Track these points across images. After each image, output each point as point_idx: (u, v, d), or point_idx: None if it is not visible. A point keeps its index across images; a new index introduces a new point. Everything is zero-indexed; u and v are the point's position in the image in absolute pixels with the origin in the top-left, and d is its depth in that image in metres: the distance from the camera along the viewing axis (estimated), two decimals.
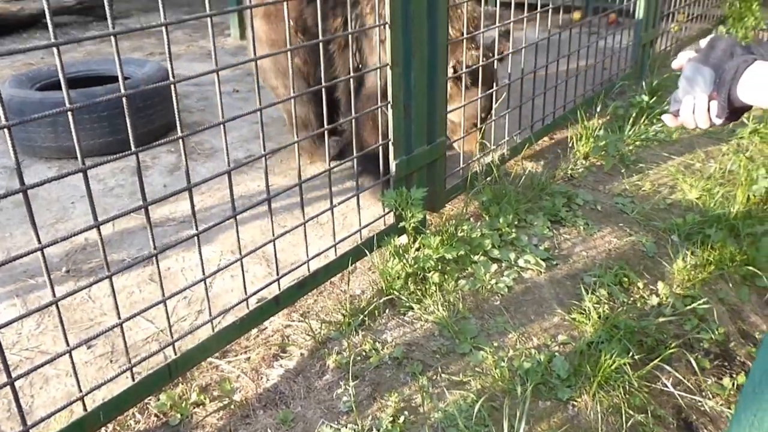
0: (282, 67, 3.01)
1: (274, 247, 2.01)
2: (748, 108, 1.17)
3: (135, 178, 3.18)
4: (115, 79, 3.76)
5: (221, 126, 1.74)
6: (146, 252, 2.55)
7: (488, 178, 2.91)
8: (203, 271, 1.79)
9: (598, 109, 3.69)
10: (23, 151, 3.41)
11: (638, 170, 3.24)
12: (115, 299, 1.58)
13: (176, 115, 1.60)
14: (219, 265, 2.44)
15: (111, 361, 2.01)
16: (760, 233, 2.56)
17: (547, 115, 3.47)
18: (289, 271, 2.11)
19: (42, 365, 1.44)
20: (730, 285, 2.46)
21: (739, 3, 5.59)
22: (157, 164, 3.36)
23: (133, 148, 1.49)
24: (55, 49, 1.31)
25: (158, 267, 1.67)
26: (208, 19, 1.63)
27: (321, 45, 2.04)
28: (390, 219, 2.47)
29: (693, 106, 1.20)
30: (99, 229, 1.47)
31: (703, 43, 1.23)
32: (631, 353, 1.97)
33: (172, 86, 1.57)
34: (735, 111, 1.17)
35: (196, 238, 1.73)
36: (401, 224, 2.41)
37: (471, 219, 2.68)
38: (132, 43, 6.03)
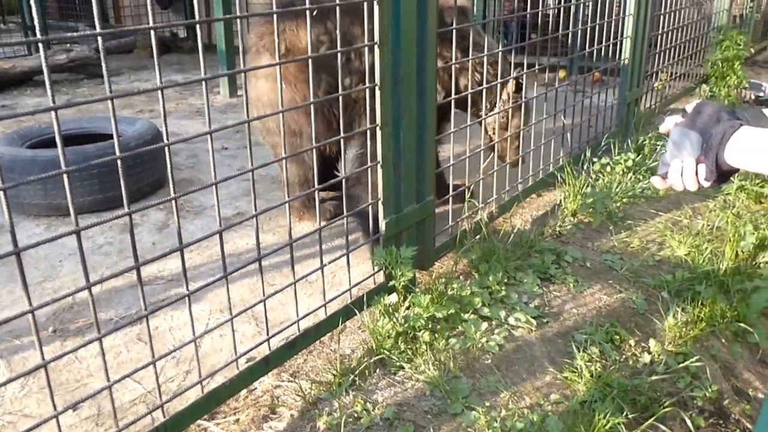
0: (287, 128, 3.03)
1: (264, 307, 2.00)
2: (736, 171, 1.19)
3: (124, 236, 3.18)
4: (106, 136, 3.79)
5: (213, 186, 1.75)
6: (135, 311, 2.54)
7: (477, 236, 2.93)
8: (193, 331, 1.77)
9: (585, 167, 3.75)
10: (11, 208, 3.40)
11: (626, 227, 3.27)
12: (105, 361, 1.55)
13: (170, 176, 1.61)
14: (208, 324, 2.42)
15: (97, 425, 1.96)
16: (750, 290, 2.57)
17: (534, 172, 3.52)
18: (279, 331, 2.09)
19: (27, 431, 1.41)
20: (722, 341, 2.46)
21: (722, 63, 5.76)
22: (146, 222, 3.36)
23: (126, 208, 1.49)
24: (53, 113, 1.33)
25: (148, 328, 1.66)
26: (202, 81, 1.65)
27: (313, 107, 2.08)
28: (380, 277, 2.47)
29: (681, 170, 1.22)
30: (90, 290, 1.46)
31: (690, 107, 1.26)
32: (624, 412, 1.95)
33: (166, 148, 1.58)
34: (723, 174, 1.19)
35: (186, 297, 1.72)
36: (391, 283, 2.41)
37: (461, 277, 2.68)
38: (122, 100, 6.09)
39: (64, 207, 3.34)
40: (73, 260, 2.94)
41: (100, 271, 2.85)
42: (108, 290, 2.69)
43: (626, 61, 4.29)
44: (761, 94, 5.73)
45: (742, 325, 2.46)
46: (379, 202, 2.37)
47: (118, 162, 1.47)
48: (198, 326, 2.26)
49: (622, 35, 4.24)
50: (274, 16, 1.88)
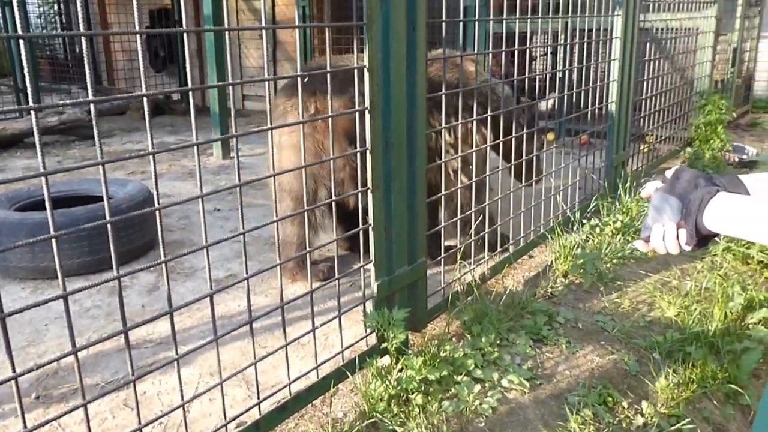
0: (298, 190, 3.11)
1: (255, 370, 1.98)
2: (715, 235, 1.22)
3: (112, 299, 3.15)
4: (97, 198, 3.80)
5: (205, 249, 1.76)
6: (122, 375, 2.50)
7: (469, 298, 2.93)
8: (182, 395, 1.75)
9: (575, 228, 3.78)
10: None
11: (617, 288, 3.28)
12: (89, 429, 1.53)
13: (160, 240, 1.62)
14: (198, 388, 2.39)
15: None
16: (740, 350, 2.57)
17: (525, 234, 3.55)
18: (270, 395, 2.06)
19: None
20: (714, 403, 2.44)
21: (705, 126, 5.89)
22: (135, 284, 3.34)
23: (114, 272, 1.49)
24: (43, 179, 1.34)
25: (135, 393, 1.64)
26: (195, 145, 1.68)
27: (305, 171, 2.11)
28: (372, 340, 2.46)
29: (663, 234, 1.25)
30: (76, 355, 1.45)
31: (669, 173, 1.30)
32: None
33: (157, 212, 1.60)
34: (703, 238, 1.22)
35: (175, 361, 1.70)
36: (384, 345, 2.39)
37: (453, 339, 2.67)
38: (115, 162, 6.15)
39: (52, 270, 3.32)
40: (59, 324, 2.92)
41: (87, 334, 2.82)
42: (94, 354, 2.66)
43: (612, 125, 4.39)
44: (744, 156, 5.85)
45: (733, 386, 2.44)
46: (371, 264, 2.38)
47: (108, 226, 1.48)
48: (187, 390, 2.23)
49: (607, 100, 4.35)
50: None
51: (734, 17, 7.26)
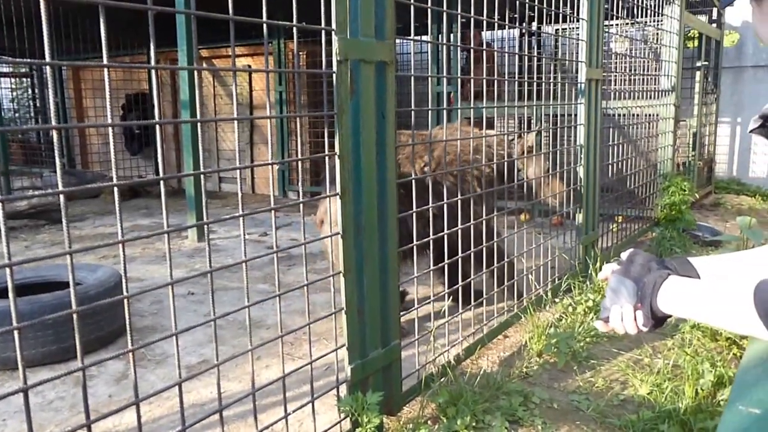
0: None
1: None
2: (670, 316, 1.27)
3: (77, 389, 3.08)
4: (65, 284, 3.75)
5: (174, 336, 1.76)
6: None
7: (444, 379, 2.92)
8: None
9: (548, 307, 3.82)
10: None
11: (590, 366, 3.29)
12: None
13: (128, 328, 1.62)
14: None
15: None
16: (711, 428, 2.58)
17: (499, 314, 3.57)
18: None
19: None
20: None
21: (670, 207, 6.07)
22: (102, 373, 3.28)
23: (79, 362, 1.48)
24: (7, 269, 1.35)
25: None
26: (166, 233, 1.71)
27: None
28: (347, 425, 2.42)
29: (621, 315, 1.30)
30: None
31: (624, 256, 1.36)
32: None
33: (126, 300, 1.60)
34: (659, 320, 1.27)
35: None
36: (358, 430, 2.36)
37: (429, 422, 2.65)
38: (85, 245, 6.10)
39: (13, 361, 3.24)
40: (17, 418, 2.82)
41: (49, 429, 2.74)
42: None
43: (581, 206, 4.51)
44: (708, 235, 6.00)
45: None
46: (344, 348, 2.38)
47: (74, 316, 1.47)
48: None
49: (575, 183, 4.48)
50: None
51: (692, 104, 7.61)
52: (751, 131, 1.23)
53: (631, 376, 3.11)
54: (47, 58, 1.39)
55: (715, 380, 2.90)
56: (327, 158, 2.29)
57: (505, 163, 3.88)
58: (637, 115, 5.82)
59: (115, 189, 1.59)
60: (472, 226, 3.36)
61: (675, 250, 5.43)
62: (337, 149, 2.23)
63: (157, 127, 1.78)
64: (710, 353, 3.27)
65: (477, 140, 3.73)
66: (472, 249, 3.36)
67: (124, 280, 1.57)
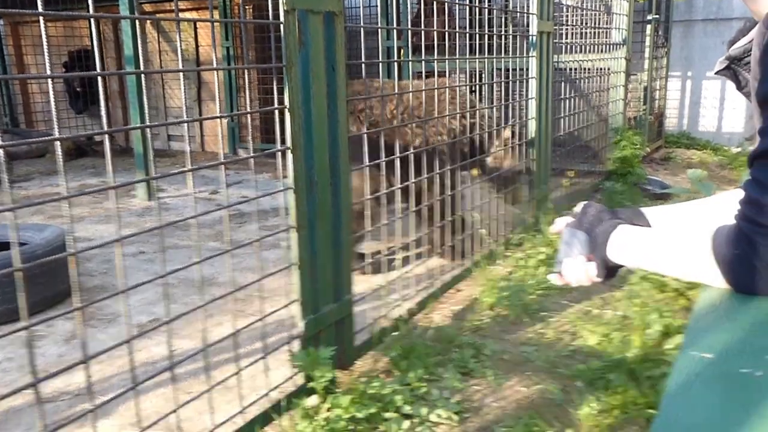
0: None
1: (178, 418, 1.92)
2: (622, 266, 1.28)
3: (26, 350, 3.00)
4: (9, 245, 3.64)
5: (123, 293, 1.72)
6: None
7: (397, 333, 2.94)
8: None
9: (500, 261, 3.86)
10: None
11: (541, 318, 3.36)
12: None
13: (75, 286, 1.57)
14: None
15: None
16: (658, 376, 2.67)
17: (451, 268, 3.60)
18: None
19: None
20: (636, 428, 2.51)
21: (621, 161, 6.17)
22: (51, 333, 3.21)
23: (24, 321, 1.44)
24: None
25: None
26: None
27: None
28: (300, 380, 2.43)
29: (574, 267, 1.31)
30: None
31: (578, 208, 1.36)
32: None
33: (72, 257, 1.56)
34: (611, 269, 1.28)
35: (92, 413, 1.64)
36: (311, 385, 2.37)
37: (381, 375, 2.67)
38: (32, 206, 5.93)
39: None
40: None
41: None
42: (5, 411, 2.52)
43: (533, 161, 4.54)
44: (659, 189, 6.14)
45: (652, 411, 2.53)
46: (297, 303, 2.37)
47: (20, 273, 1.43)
48: None
49: (527, 137, 4.51)
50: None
51: (643, 58, 7.68)
52: (716, 72, 1.23)
53: (580, 327, 3.19)
54: None
55: (663, 330, 2.99)
56: (278, 112, 2.23)
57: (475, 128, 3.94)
58: (588, 69, 5.86)
59: (58, 144, 1.53)
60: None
61: (625, 204, 5.54)
62: (287, 102, 2.18)
63: (100, 80, 1.71)
64: (657, 304, 3.36)
65: (452, 92, 3.74)
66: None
67: (69, 237, 1.52)
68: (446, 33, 3.51)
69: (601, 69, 6.13)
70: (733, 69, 1.19)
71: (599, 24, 6.31)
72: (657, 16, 7.79)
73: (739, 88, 1.20)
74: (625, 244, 1.22)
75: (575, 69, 5.69)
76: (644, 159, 7.04)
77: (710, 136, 9.24)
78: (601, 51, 6.14)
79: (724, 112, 9.20)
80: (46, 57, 1.92)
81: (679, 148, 8.98)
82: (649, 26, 7.61)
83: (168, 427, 2.37)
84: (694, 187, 5.11)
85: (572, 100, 5.32)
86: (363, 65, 2.68)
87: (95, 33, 1.71)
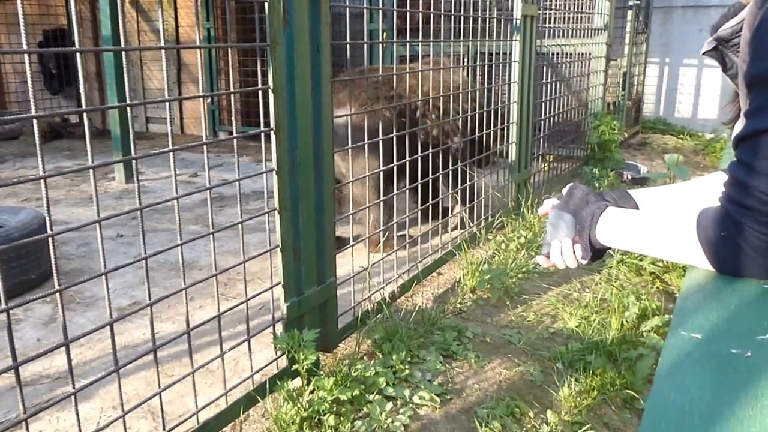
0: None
1: (161, 400, 1.91)
2: (609, 248, 1.29)
3: (4, 333, 2.96)
4: None
5: (103, 275, 1.69)
6: (14, 415, 2.36)
7: (380, 316, 2.95)
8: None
9: (482, 244, 3.88)
10: None
11: (522, 301, 3.39)
12: None
13: (54, 267, 1.55)
14: (99, 423, 2.28)
15: None
16: (635, 357, 2.71)
17: (433, 251, 3.62)
18: (177, 425, 2.00)
19: None
20: (613, 409, 2.55)
21: (599, 146, 6.21)
22: (30, 317, 3.17)
23: (3, 304, 1.42)
24: None
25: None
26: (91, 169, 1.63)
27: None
28: (283, 362, 2.43)
29: (560, 249, 1.31)
30: None
31: (564, 190, 1.37)
32: None
33: (51, 238, 1.53)
34: (597, 251, 1.29)
35: (73, 396, 1.63)
36: (294, 367, 2.37)
37: (365, 357, 2.68)
38: (6, 189, 5.82)
39: None
40: None
41: None
42: None
43: (514, 145, 4.56)
44: (637, 174, 6.20)
45: (630, 392, 2.57)
46: (280, 286, 2.36)
47: None
48: (87, 426, 2.14)
49: (509, 120, 4.51)
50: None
51: (623, 44, 7.72)
52: (703, 53, 1.23)
53: (560, 310, 3.22)
54: None
55: (640, 312, 3.04)
56: (261, 93, 2.21)
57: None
58: (570, 54, 5.87)
59: (35, 121, 1.49)
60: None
61: (603, 189, 5.58)
62: (270, 83, 2.15)
63: (79, 58, 1.67)
64: (635, 287, 3.41)
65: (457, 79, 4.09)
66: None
67: (47, 218, 1.49)
68: (431, 16, 3.49)
69: (582, 54, 6.15)
70: (720, 50, 1.19)
71: (581, 8, 6.32)
72: (638, 1, 7.81)
73: (725, 70, 1.21)
74: (612, 227, 1.23)
75: (557, 54, 5.70)
76: (622, 144, 7.09)
77: (686, 123, 9.33)
78: (583, 36, 6.15)
79: (699, 98, 9.30)
80: (23, 34, 1.88)
81: (656, 133, 9.06)
82: (630, 12, 7.63)
83: (150, 410, 2.36)
84: (670, 172, 5.18)
85: (553, 84, 5.33)
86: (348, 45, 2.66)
87: (73, 11, 1.67)
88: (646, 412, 0.67)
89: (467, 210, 4.25)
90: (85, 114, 1.60)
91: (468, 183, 4.15)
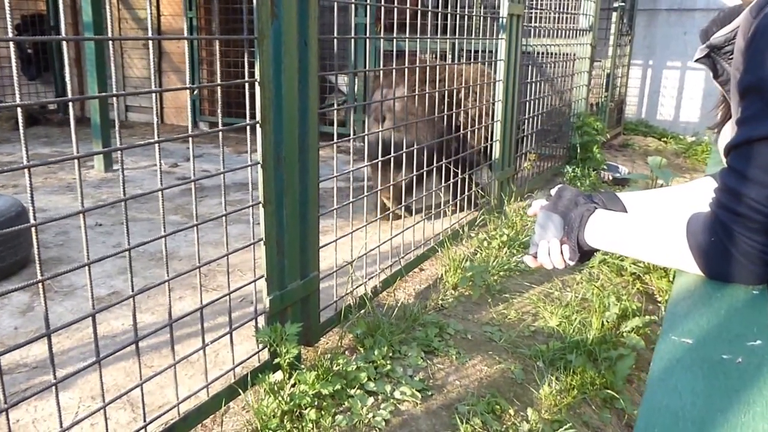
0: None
1: (141, 391, 1.90)
2: (597, 250, 1.30)
3: None
4: None
5: (86, 266, 1.67)
6: None
7: (362, 311, 2.95)
8: (60, 422, 1.65)
9: (464, 242, 3.89)
10: None
11: (504, 299, 3.41)
12: None
13: (36, 258, 1.53)
14: (78, 413, 2.26)
15: None
16: (615, 357, 2.73)
17: (416, 247, 3.62)
18: (157, 417, 1.98)
19: None
20: (593, 408, 2.58)
21: (581, 146, 6.26)
22: (6, 305, 3.12)
23: None
24: None
25: (8, 422, 1.53)
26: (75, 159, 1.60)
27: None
28: (265, 355, 2.42)
29: (548, 250, 1.32)
30: None
31: (553, 191, 1.38)
32: None
33: (34, 228, 1.51)
34: (585, 253, 1.29)
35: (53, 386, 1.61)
36: (276, 360, 2.36)
37: (346, 352, 2.68)
38: None
39: None
40: None
41: None
42: None
43: (498, 143, 4.57)
44: (618, 174, 6.25)
45: (609, 391, 2.60)
46: (263, 279, 2.35)
47: None
48: (66, 416, 2.11)
49: (493, 119, 4.53)
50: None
51: (607, 45, 7.78)
52: (696, 60, 1.24)
53: (541, 308, 3.24)
54: None
55: (620, 313, 3.07)
56: (247, 85, 2.19)
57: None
58: (555, 54, 5.90)
59: (19, 110, 1.47)
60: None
61: (584, 190, 5.63)
62: (257, 75, 2.14)
63: (65, 45, 1.64)
64: (616, 287, 3.44)
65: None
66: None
67: (31, 208, 1.47)
68: (418, 12, 3.48)
69: (566, 54, 6.19)
70: (712, 58, 1.20)
71: (567, 9, 6.35)
72: (623, 3, 7.88)
73: (716, 77, 1.22)
74: (601, 229, 1.24)
75: (542, 53, 5.72)
76: (603, 145, 7.16)
77: (667, 125, 9.43)
78: (568, 36, 6.19)
79: (682, 101, 9.40)
80: (9, 19, 1.85)
81: (637, 135, 9.15)
82: (615, 14, 7.69)
83: (130, 401, 2.34)
84: (652, 174, 5.23)
85: (538, 84, 5.36)
86: (335, 40, 2.65)
87: None
88: (640, 417, 0.67)
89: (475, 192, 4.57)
90: (70, 104, 1.57)
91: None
